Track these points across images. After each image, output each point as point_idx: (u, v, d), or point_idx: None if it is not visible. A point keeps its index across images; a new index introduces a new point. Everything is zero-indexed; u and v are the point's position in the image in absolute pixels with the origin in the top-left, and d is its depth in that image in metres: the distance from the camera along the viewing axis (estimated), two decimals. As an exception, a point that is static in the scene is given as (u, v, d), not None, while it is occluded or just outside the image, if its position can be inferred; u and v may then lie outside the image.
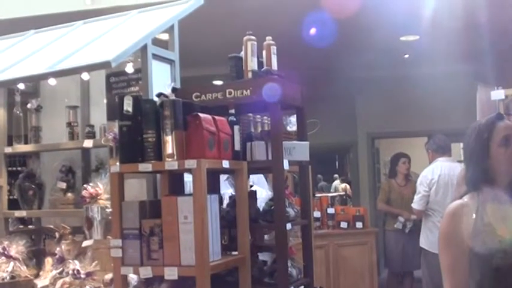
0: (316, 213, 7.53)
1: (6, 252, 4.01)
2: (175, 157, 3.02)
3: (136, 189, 3.59)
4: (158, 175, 3.52)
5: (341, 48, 8.05)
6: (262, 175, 4.38)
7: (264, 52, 3.82)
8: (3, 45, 4.67)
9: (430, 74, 9.21)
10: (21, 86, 4.27)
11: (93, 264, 3.63)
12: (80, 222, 4.08)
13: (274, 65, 3.81)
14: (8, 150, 4.41)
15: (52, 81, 4.08)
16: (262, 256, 3.76)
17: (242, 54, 3.78)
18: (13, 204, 4.53)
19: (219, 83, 7.88)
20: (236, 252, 3.36)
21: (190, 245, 3.00)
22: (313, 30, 6.46)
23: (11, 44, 4.63)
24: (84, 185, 3.75)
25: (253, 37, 3.78)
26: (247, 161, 3.49)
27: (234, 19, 6.54)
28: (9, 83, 3.99)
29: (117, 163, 3.31)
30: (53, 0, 6.90)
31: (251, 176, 3.79)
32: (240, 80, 3.68)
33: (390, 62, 9.15)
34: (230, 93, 3.59)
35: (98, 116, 4.12)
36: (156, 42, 3.75)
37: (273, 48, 3.82)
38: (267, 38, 3.85)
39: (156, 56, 3.64)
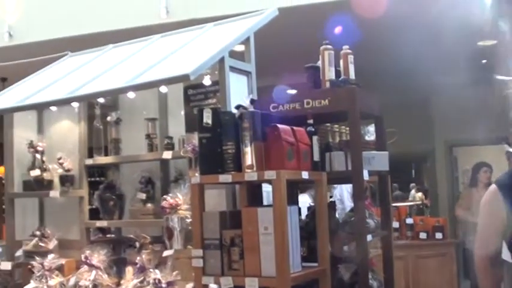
0: (395, 224, 7.42)
1: (88, 261, 4.09)
2: (254, 168, 3.02)
3: (215, 200, 3.61)
4: (237, 185, 3.53)
5: (417, 54, 7.92)
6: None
7: (341, 61, 3.79)
8: (83, 60, 4.78)
9: (509, 80, 8.95)
10: (100, 99, 4.36)
11: (174, 273, 3.65)
12: (159, 232, 4.13)
13: (352, 74, 3.77)
14: (89, 162, 4.52)
15: (131, 95, 4.16)
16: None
17: (319, 63, 3.76)
18: (93, 214, 4.63)
19: (292, 92, 7.86)
20: (315, 264, 3.33)
21: (271, 256, 2.99)
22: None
23: (90, 58, 4.74)
24: (164, 196, 3.79)
25: (329, 46, 3.76)
26: (326, 172, 3.46)
27: (308, 29, 6.52)
28: (89, 97, 4.07)
29: (197, 174, 3.35)
30: (130, 14, 7.05)
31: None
32: (318, 90, 3.65)
33: (467, 67, 8.94)
34: (308, 103, 3.57)
35: (176, 127, 4.16)
36: (232, 53, 3.77)
37: (350, 57, 3.79)
38: (344, 47, 3.82)
39: (233, 68, 3.66)
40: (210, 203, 3.40)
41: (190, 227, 3.57)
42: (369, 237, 3.50)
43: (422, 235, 7.58)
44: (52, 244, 4.48)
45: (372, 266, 3.68)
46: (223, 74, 3.58)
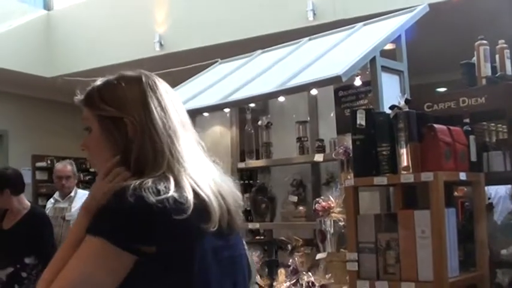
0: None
1: (242, 262, 4.16)
2: (410, 170, 2.96)
3: (367, 202, 3.56)
4: (391, 187, 3.47)
5: None
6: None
7: (497, 57, 3.65)
8: (233, 66, 4.89)
9: None
10: (251, 104, 4.43)
11: (327, 276, 3.65)
12: (310, 234, 4.14)
13: (509, 70, 3.62)
14: (241, 165, 4.61)
15: (281, 98, 4.20)
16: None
17: (474, 60, 3.64)
18: (243, 216, 4.71)
19: (442, 90, 7.66)
20: (473, 268, 3.21)
21: (428, 260, 2.90)
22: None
23: (240, 64, 4.84)
24: (316, 199, 3.79)
25: (485, 41, 3.63)
26: (483, 173, 3.33)
27: (461, 24, 6.33)
28: (241, 102, 4.15)
29: (349, 177, 3.33)
30: (277, 19, 7.15)
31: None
32: (474, 88, 3.53)
33: None
34: (464, 101, 3.46)
35: (326, 130, 4.15)
36: (382, 52, 3.71)
37: (507, 52, 3.64)
38: (500, 41, 3.68)
39: (385, 68, 3.59)
40: (363, 205, 3.35)
41: (343, 230, 3.55)
42: (530, 241, 3.34)
43: None
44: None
45: (533, 272, 3.50)
46: (375, 74, 3.52)
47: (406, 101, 3.04)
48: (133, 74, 1.73)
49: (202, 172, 1.64)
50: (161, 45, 8.93)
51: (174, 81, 5.23)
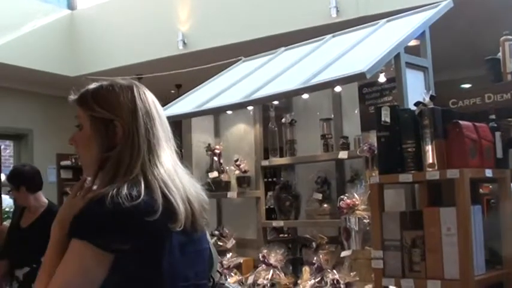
0: None
1: (266, 260, 4.17)
2: (436, 167, 2.94)
3: (392, 199, 3.54)
4: (416, 184, 3.45)
5: None
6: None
7: (523, 52, 3.61)
8: (256, 64, 4.88)
9: None
10: (275, 101, 4.43)
11: (352, 274, 3.64)
12: (335, 232, 4.13)
13: (534, 65, 3.58)
14: (265, 163, 4.61)
15: (305, 96, 4.19)
16: None
17: (499, 55, 3.60)
18: (267, 214, 4.72)
19: (467, 86, 7.59)
20: (499, 266, 3.17)
21: (454, 258, 2.89)
22: None
23: (263, 62, 4.83)
24: (341, 196, 3.78)
25: (510, 37, 3.60)
26: (510, 169, 3.30)
27: (485, 19, 6.27)
28: (265, 100, 4.13)
29: (374, 174, 3.31)
30: (300, 16, 7.14)
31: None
32: (499, 83, 3.50)
33: None
34: (489, 97, 3.43)
35: (350, 127, 4.14)
36: (406, 48, 3.69)
37: (532, 48, 3.60)
38: (525, 37, 3.65)
39: (409, 64, 3.57)
40: (388, 202, 3.34)
41: (368, 228, 3.54)
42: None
43: None
44: (230, 243, 4.61)
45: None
46: (399, 70, 3.49)
47: (431, 98, 3.02)
48: (125, 82, 1.89)
49: (173, 178, 1.80)
50: (184, 43, 8.95)
51: (198, 79, 5.26)
